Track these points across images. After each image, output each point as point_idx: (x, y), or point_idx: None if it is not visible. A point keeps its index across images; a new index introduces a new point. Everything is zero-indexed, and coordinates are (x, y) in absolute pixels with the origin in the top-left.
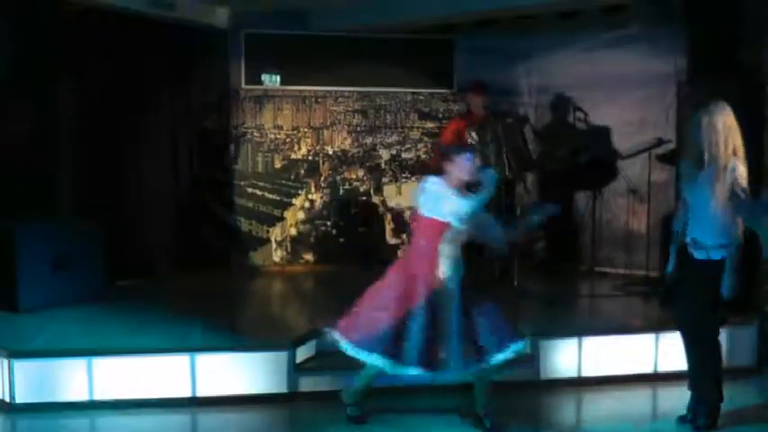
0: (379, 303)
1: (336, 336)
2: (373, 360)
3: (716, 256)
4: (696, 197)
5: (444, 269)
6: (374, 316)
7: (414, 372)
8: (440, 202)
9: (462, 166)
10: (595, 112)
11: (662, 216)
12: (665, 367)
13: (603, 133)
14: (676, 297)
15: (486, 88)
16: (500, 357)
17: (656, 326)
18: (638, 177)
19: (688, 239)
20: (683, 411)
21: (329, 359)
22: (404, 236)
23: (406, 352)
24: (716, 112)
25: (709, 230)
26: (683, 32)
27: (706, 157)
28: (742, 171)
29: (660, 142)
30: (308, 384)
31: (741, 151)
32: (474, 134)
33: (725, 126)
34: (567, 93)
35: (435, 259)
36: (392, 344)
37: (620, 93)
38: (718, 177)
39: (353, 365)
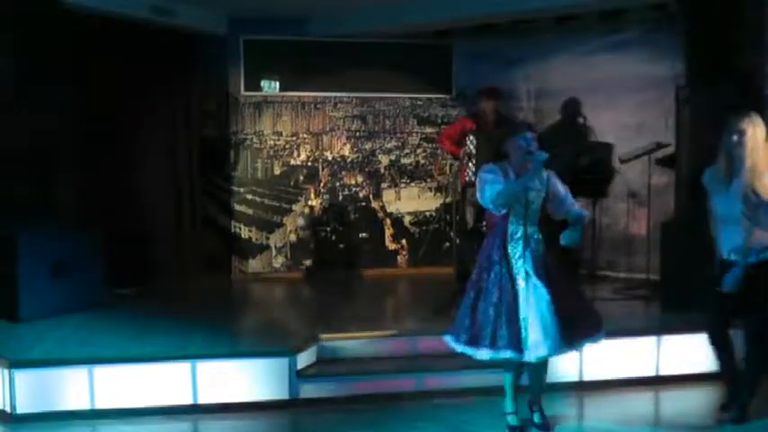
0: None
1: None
2: (463, 350)
3: (764, 256)
4: (730, 206)
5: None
6: (464, 309)
7: (505, 355)
8: (478, 187)
9: (515, 149)
10: (594, 117)
11: (661, 220)
12: (666, 371)
13: (603, 138)
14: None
15: (497, 94)
16: (584, 344)
17: (658, 329)
18: (637, 181)
19: (727, 250)
20: (686, 414)
21: (330, 365)
22: (403, 241)
23: (497, 338)
24: (758, 123)
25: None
26: (681, 36)
27: (748, 164)
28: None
29: (659, 146)
30: (309, 391)
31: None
32: (473, 139)
33: (763, 139)
34: (566, 97)
35: (498, 242)
36: (480, 331)
37: (618, 97)
38: (756, 186)
39: (354, 371)
